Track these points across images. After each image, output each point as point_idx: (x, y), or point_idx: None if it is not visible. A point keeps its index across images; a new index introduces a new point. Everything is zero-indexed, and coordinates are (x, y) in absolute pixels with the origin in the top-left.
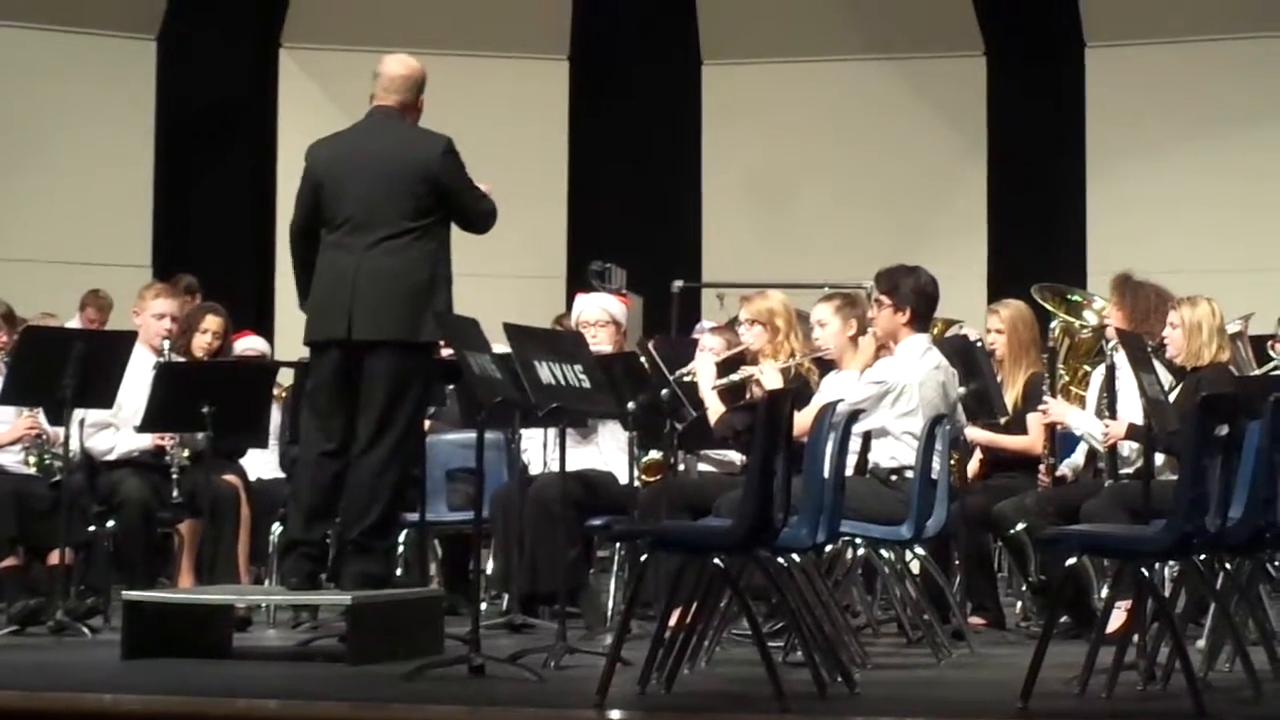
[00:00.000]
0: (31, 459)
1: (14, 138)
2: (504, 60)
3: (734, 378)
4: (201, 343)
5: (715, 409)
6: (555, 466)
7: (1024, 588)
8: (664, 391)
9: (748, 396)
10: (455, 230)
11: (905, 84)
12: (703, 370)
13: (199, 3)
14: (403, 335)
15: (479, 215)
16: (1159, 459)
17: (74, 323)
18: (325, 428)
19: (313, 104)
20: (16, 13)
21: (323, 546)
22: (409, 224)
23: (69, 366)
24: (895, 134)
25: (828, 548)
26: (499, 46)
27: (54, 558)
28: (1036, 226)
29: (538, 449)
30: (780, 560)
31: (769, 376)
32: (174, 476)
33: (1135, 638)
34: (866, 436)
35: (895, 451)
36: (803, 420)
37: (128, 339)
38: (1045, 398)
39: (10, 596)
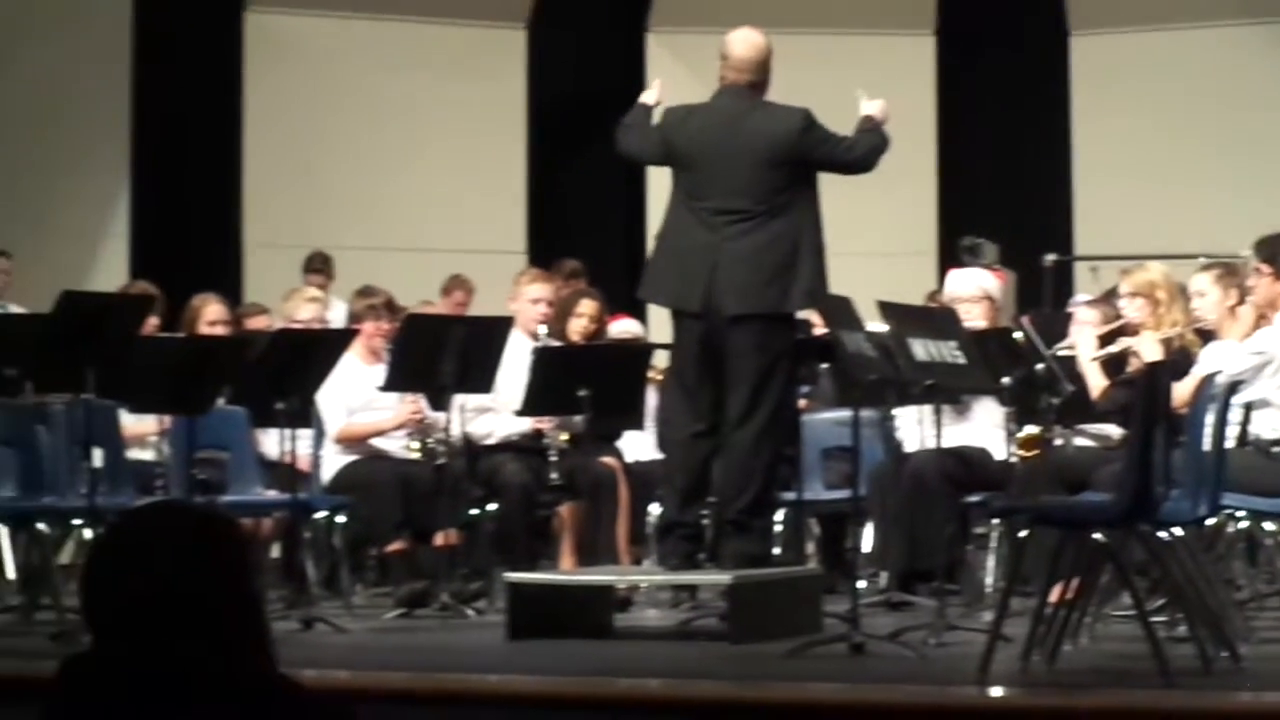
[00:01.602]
0: (415, 444)
1: (389, 130)
2: (871, 37)
3: (1112, 349)
4: (577, 326)
5: (1096, 382)
6: (931, 443)
7: None
8: (1039, 366)
9: (1127, 369)
10: (839, 216)
11: None
12: (1082, 343)
13: None
14: (768, 307)
15: (857, 162)
16: None
17: (439, 307)
18: (694, 408)
19: (682, 88)
20: (388, 7)
21: (700, 527)
22: (772, 200)
23: (449, 353)
24: (1273, 100)
25: (1209, 521)
26: (865, 23)
27: (439, 541)
28: None
29: (913, 426)
30: (1161, 534)
31: (1148, 348)
32: (552, 459)
33: None
34: (1247, 407)
35: (1277, 422)
36: (1182, 392)
37: (505, 324)
38: None
39: (397, 579)
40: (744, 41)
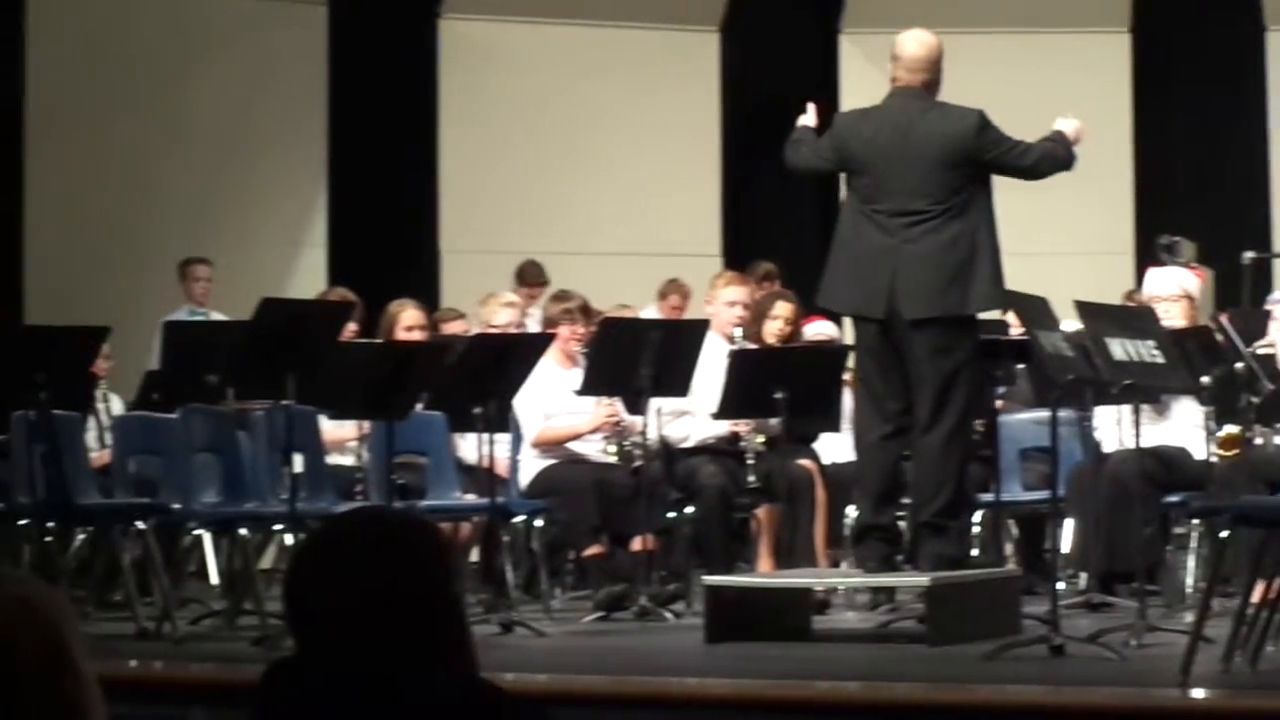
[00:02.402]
0: (612, 448)
1: (584, 135)
2: (1066, 35)
3: None
4: (773, 329)
5: None
6: (1130, 443)
7: None
8: (1239, 364)
9: None
10: (1018, 212)
11: None
12: None
13: None
14: (950, 310)
15: (1028, 169)
16: None
17: (651, 311)
18: (881, 410)
19: (876, 89)
20: (582, 11)
21: (897, 529)
22: (949, 201)
23: (645, 356)
24: None
25: None
26: (1060, 22)
27: (636, 544)
28: None
29: (1111, 426)
30: None
31: None
32: (749, 462)
33: None
34: None
35: None
36: None
37: (701, 327)
38: None
39: (595, 583)
40: (915, 41)
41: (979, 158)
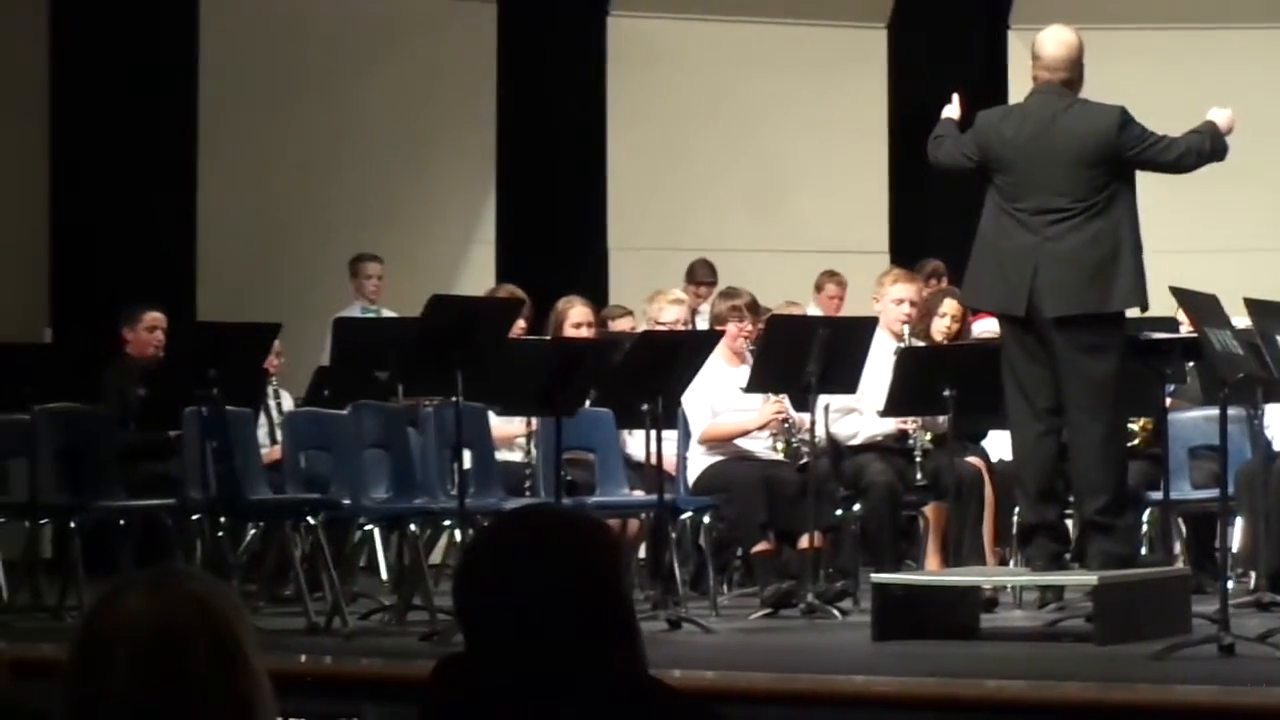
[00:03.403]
0: (779, 444)
1: (752, 132)
2: (1228, 31)
3: None
4: (941, 326)
5: None
6: None
7: None
8: None
9: None
10: (1186, 209)
11: None
12: None
13: None
14: (1092, 308)
15: (1172, 163)
16: None
17: (811, 305)
18: (1032, 410)
19: None
20: (749, 9)
21: (1063, 527)
22: (1091, 199)
23: (813, 352)
24: None
25: None
26: (1221, 17)
27: (803, 541)
28: None
29: None
30: None
31: None
32: (917, 459)
33: None
34: None
35: None
36: None
37: (869, 324)
38: None
39: (763, 580)
40: (1054, 40)
41: (1120, 154)
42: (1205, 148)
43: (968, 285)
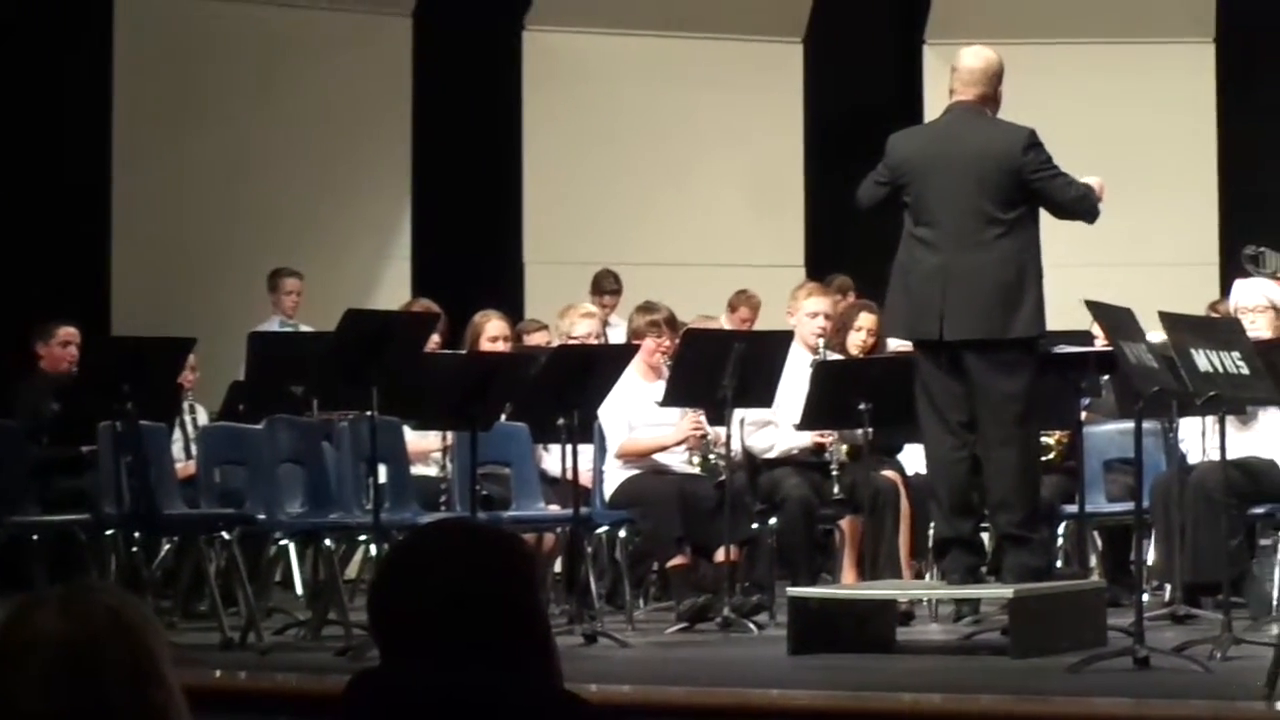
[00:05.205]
0: (695, 459)
1: (667, 146)
2: (1150, 46)
3: None
4: (856, 340)
5: None
6: (1215, 455)
7: None
8: None
9: None
10: (1102, 223)
11: None
12: None
13: (843, 4)
14: (994, 333)
15: (1070, 202)
16: None
17: (723, 322)
18: (946, 425)
19: None
20: (665, 23)
21: (979, 541)
22: (998, 217)
23: (729, 367)
24: None
25: None
26: (1144, 32)
27: (719, 555)
28: None
29: (1196, 437)
30: None
31: None
32: (833, 473)
33: None
34: None
35: None
36: None
37: (784, 338)
38: None
39: (679, 594)
40: (972, 54)
41: (1021, 176)
42: (1092, 201)
43: (886, 315)
